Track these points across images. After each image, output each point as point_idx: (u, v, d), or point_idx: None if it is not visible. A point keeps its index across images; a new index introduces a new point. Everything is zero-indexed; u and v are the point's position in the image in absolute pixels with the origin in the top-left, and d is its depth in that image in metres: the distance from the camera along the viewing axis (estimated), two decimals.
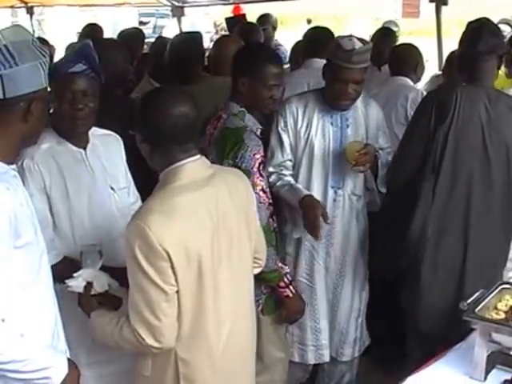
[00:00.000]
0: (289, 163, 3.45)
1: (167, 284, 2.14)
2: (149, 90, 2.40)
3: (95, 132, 2.81)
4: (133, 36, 5.77)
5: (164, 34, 8.86)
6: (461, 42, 3.18)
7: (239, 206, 2.34)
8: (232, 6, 10.13)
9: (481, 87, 3.08)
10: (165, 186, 2.22)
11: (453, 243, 3.13)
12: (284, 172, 3.42)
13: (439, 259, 3.14)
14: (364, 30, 10.59)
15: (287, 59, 5.82)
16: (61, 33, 11.13)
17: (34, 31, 8.49)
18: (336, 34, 3.93)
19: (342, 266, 3.53)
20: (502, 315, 2.53)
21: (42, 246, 2.18)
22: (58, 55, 5.60)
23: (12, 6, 9.54)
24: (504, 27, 10.52)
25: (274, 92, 3.06)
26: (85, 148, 2.75)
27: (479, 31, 3.08)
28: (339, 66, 3.23)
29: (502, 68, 3.83)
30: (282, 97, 3.86)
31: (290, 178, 3.42)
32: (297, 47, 5.34)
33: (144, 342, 2.17)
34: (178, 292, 2.18)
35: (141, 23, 17.41)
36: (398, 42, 5.58)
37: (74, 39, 8.91)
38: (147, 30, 14.05)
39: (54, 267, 2.30)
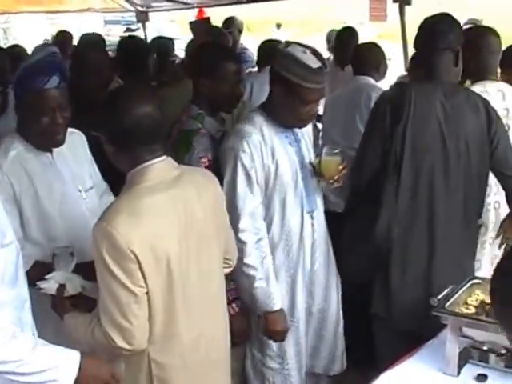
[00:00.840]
0: (260, 208, 2.98)
1: (136, 286, 2.12)
2: (110, 90, 2.37)
3: None
4: (95, 41, 5.74)
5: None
6: (417, 39, 3.15)
7: (207, 206, 2.33)
8: (196, 13, 10.13)
9: (438, 83, 3.05)
10: (132, 186, 2.20)
11: (418, 244, 3.07)
12: (261, 235, 2.97)
13: (406, 262, 3.08)
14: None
15: (253, 63, 5.85)
16: (27, 40, 11.07)
17: None
18: (304, 41, 3.62)
19: (327, 291, 3.25)
20: (473, 310, 2.55)
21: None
22: None
23: None
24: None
25: (237, 88, 3.02)
26: (51, 151, 2.72)
27: (435, 27, 3.06)
28: (303, 87, 2.79)
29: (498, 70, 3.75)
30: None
31: (267, 254, 2.98)
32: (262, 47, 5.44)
33: (115, 344, 2.15)
34: (148, 293, 2.15)
35: (128, 30, 17.13)
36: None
37: None
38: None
39: (27, 272, 2.26)
